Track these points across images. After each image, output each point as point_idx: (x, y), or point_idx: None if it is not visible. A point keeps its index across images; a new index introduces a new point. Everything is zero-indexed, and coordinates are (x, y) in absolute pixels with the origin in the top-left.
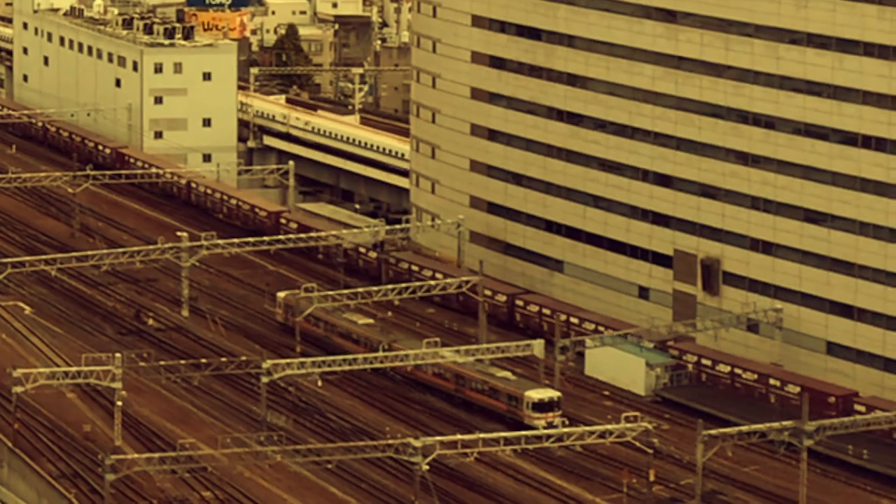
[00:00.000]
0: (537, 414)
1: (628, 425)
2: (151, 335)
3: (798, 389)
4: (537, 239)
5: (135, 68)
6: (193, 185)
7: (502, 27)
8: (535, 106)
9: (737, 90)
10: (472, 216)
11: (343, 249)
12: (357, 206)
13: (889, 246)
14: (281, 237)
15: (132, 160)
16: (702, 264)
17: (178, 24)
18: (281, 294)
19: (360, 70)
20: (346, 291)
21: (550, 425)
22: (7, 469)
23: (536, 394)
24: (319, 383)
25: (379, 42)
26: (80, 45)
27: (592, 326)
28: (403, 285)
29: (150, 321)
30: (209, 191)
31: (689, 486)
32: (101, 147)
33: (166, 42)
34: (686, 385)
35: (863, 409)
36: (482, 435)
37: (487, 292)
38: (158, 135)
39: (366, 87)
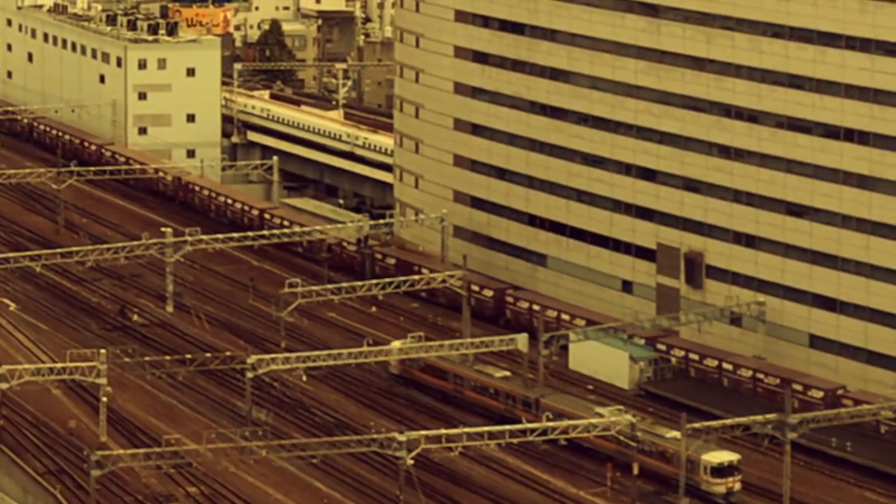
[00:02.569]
0: (716, 479)
1: (613, 419)
2: (136, 331)
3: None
4: (521, 233)
5: (119, 64)
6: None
7: (485, 22)
8: (519, 100)
9: (719, 84)
10: (455, 211)
11: (327, 245)
12: (341, 202)
13: (871, 239)
14: (265, 232)
15: (116, 156)
16: (685, 258)
17: (161, 21)
18: (395, 343)
19: (344, 65)
20: (330, 286)
21: (730, 493)
22: None
23: (715, 457)
24: (304, 378)
25: (362, 37)
26: (64, 42)
27: (583, 322)
28: (388, 280)
29: (135, 317)
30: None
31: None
32: (86, 144)
33: (150, 38)
34: (670, 379)
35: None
36: (466, 429)
37: (475, 288)
38: (143, 131)
39: (349, 83)
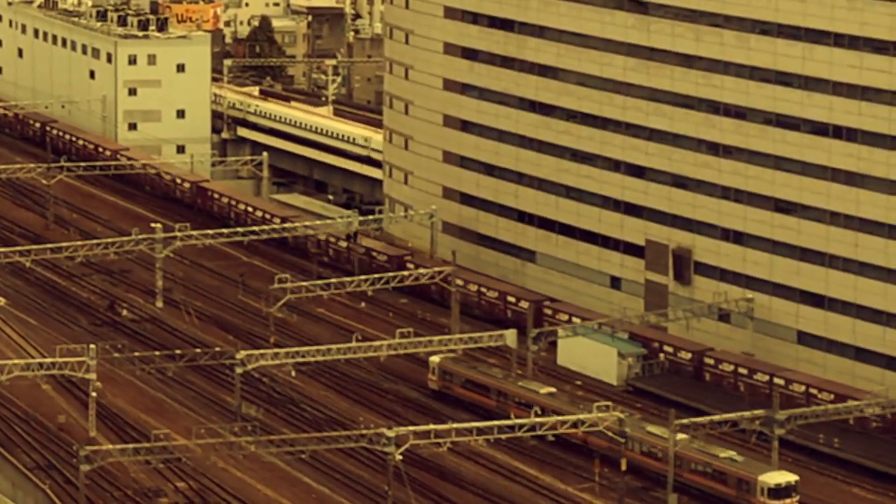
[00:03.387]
0: (774, 501)
1: (601, 414)
2: (126, 326)
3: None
4: (510, 229)
5: (109, 60)
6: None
7: (475, 18)
8: (508, 97)
9: (707, 81)
10: (444, 207)
11: (316, 240)
12: (330, 197)
13: (859, 235)
14: (255, 228)
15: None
16: (673, 254)
17: (151, 16)
18: (434, 359)
19: (334, 61)
20: (319, 282)
21: None
22: None
23: (772, 478)
24: (293, 374)
25: (352, 33)
26: (55, 38)
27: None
28: (377, 276)
29: (125, 312)
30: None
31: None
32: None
33: (140, 34)
34: (658, 375)
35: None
36: (455, 425)
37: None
38: (133, 126)
39: (339, 79)
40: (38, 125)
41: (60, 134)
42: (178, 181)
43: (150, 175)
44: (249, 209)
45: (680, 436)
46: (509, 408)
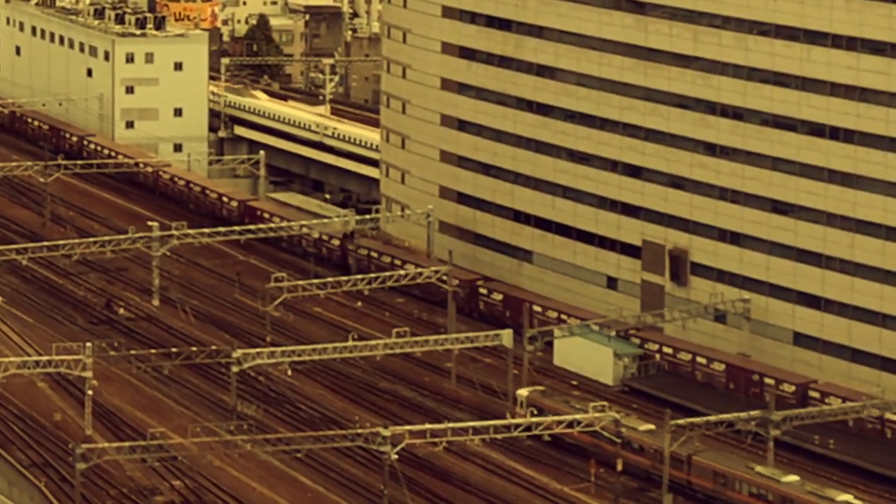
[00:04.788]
0: None
1: (597, 414)
2: (122, 324)
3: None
4: (506, 229)
5: (106, 58)
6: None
7: (472, 18)
8: (505, 97)
9: (705, 81)
10: (441, 206)
11: (312, 239)
12: (327, 196)
13: (856, 237)
14: (251, 227)
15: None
16: (670, 255)
17: (149, 15)
18: (523, 392)
19: (331, 60)
20: (316, 281)
21: None
22: None
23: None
24: (289, 372)
25: (349, 32)
26: (52, 35)
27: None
28: (373, 275)
29: (121, 310)
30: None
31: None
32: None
33: (138, 32)
34: (654, 375)
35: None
36: (451, 424)
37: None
38: (130, 124)
39: (336, 78)
40: (75, 139)
41: (99, 148)
42: (225, 199)
43: (193, 193)
44: (304, 229)
45: (790, 477)
46: (604, 445)
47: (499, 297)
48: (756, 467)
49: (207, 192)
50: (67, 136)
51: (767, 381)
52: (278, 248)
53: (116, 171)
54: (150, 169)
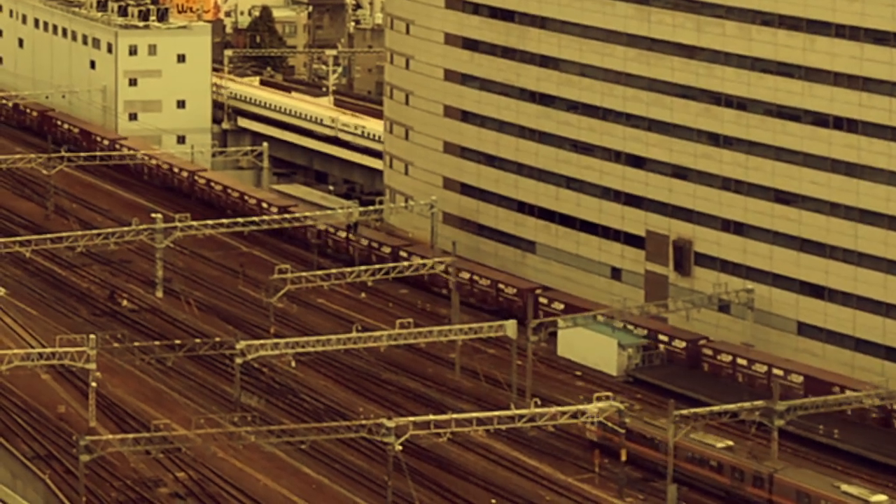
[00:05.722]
0: None
1: (600, 405)
2: (125, 316)
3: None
4: (510, 220)
5: (109, 50)
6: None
7: (475, 9)
8: (508, 87)
9: (708, 71)
10: (445, 197)
11: (316, 231)
12: (331, 188)
13: (859, 227)
14: (255, 219)
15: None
16: (674, 245)
17: (152, 7)
18: (593, 407)
19: (334, 52)
20: (319, 273)
21: None
22: None
23: None
24: (293, 364)
25: (353, 24)
26: (55, 28)
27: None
28: (377, 266)
29: (125, 302)
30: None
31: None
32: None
33: (141, 24)
34: (658, 365)
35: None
36: (455, 415)
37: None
38: (133, 117)
39: (339, 69)
40: (106, 142)
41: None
42: (265, 205)
43: (231, 198)
44: (355, 239)
45: (879, 496)
46: (679, 461)
47: (560, 305)
48: (842, 486)
49: (246, 197)
50: (99, 139)
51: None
52: (281, 240)
53: (151, 176)
54: (185, 174)
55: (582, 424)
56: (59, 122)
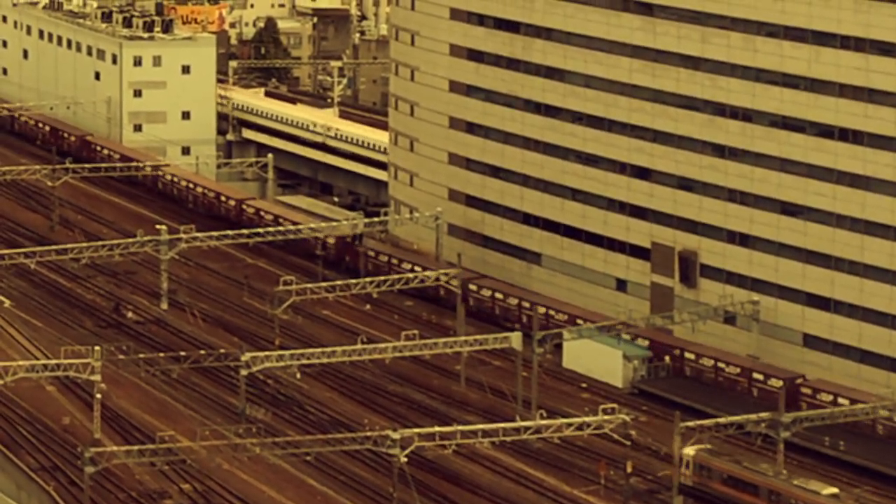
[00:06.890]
0: None
1: (606, 417)
2: (130, 328)
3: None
4: (515, 231)
5: (114, 61)
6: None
7: (480, 20)
8: (514, 99)
9: (714, 83)
10: (450, 209)
11: (321, 242)
12: (336, 199)
13: (865, 238)
14: (260, 230)
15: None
16: (679, 257)
17: (157, 18)
18: (689, 451)
19: (339, 63)
20: (324, 284)
21: None
22: None
23: None
24: (298, 376)
25: (357, 35)
26: (60, 39)
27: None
28: (382, 278)
29: (130, 314)
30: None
31: (667, 478)
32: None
33: (145, 35)
34: (664, 377)
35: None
36: (460, 427)
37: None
38: (138, 128)
39: (344, 81)
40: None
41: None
42: (323, 236)
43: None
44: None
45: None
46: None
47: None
48: None
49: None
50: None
51: None
52: (287, 252)
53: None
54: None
55: (675, 468)
56: (98, 148)
